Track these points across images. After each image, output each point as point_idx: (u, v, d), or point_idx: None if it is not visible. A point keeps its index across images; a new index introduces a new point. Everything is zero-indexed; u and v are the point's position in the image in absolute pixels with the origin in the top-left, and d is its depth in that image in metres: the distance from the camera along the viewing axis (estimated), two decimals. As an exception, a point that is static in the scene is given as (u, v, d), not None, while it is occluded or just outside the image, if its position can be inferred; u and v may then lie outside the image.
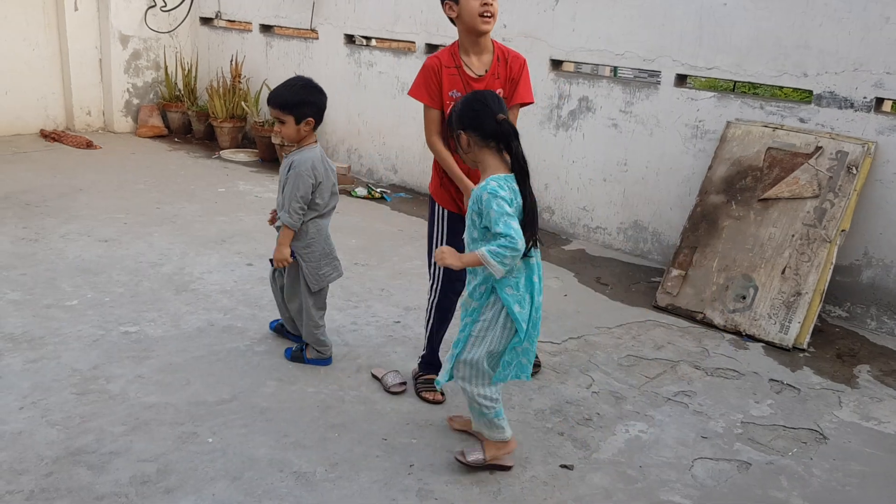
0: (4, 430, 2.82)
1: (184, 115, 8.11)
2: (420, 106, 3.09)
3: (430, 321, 3.26)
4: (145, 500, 2.50)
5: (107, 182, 6.14)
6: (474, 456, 2.75)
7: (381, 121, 6.74)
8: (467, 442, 2.92)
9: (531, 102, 3.16)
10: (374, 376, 3.38)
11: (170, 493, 2.53)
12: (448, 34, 3.17)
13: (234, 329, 3.75)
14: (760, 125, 4.53)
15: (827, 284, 4.07)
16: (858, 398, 3.51)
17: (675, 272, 4.45)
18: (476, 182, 2.76)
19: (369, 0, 6.57)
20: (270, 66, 7.53)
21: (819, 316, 4.18)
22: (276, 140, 6.91)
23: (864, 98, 4.21)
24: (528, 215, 2.54)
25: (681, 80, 4.95)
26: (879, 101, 4.21)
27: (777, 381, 3.63)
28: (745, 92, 6.79)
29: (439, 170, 3.12)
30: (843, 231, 4.10)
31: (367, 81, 6.76)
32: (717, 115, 4.74)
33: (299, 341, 3.56)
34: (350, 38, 6.93)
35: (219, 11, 7.99)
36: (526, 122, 5.53)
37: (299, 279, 3.38)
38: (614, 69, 7.75)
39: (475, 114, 2.58)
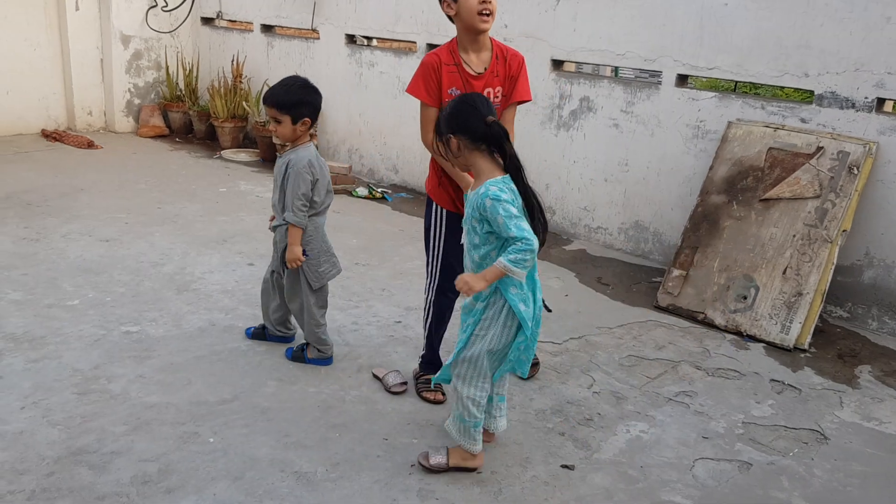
0: (6, 429, 2.82)
1: (185, 115, 8.11)
2: (418, 105, 3.08)
3: (429, 320, 3.26)
4: (146, 499, 2.50)
5: (108, 182, 6.15)
6: (437, 459, 2.73)
7: (382, 121, 6.74)
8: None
9: (529, 100, 3.16)
10: (375, 376, 3.38)
11: (171, 493, 2.53)
12: (449, 34, 3.16)
13: (236, 329, 3.75)
14: (762, 125, 4.52)
15: (828, 285, 4.07)
16: (859, 398, 3.51)
17: (676, 272, 4.45)
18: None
19: (370, 0, 6.58)
20: (271, 66, 7.53)
21: (820, 316, 4.17)
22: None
23: (866, 98, 4.20)
24: (532, 211, 2.53)
25: (682, 80, 4.95)
26: (881, 101, 4.20)
27: (778, 381, 3.63)
28: (746, 92, 6.79)
29: (437, 169, 3.11)
30: (844, 231, 4.10)
31: (368, 81, 6.77)
32: (719, 115, 4.74)
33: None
34: (351, 38, 6.93)
35: (220, 11, 8.00)
36: (527, 123, 5.54)
37: (300, 278, 3.38)
38: (615, 69, 7.75)
39: (464, 117, 2.55)
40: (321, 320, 3.43)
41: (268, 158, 7.28)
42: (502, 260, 2.42)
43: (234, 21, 8.03)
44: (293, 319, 3.59)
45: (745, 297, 4.17)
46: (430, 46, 6.18)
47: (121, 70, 7.87)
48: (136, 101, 8.10)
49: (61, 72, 7.75)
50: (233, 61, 7.73)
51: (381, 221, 5.69)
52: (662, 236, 5.12)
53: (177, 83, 8.13)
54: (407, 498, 2.60)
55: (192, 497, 2.52)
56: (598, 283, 4.76)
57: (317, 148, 7.28)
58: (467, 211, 2.59)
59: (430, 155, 3.13)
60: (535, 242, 2.42)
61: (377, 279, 4.53)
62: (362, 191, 6.37)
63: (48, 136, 7.48)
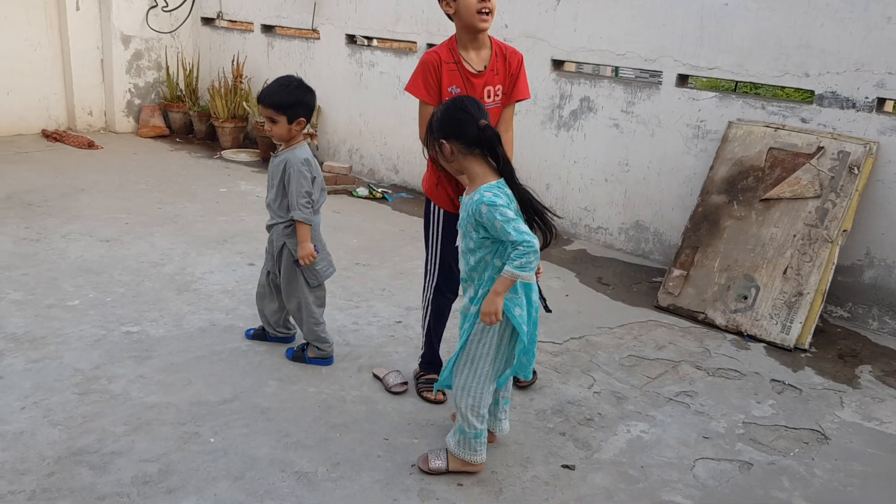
0: (6, 430, 2.82)
1: (185, 116, 8.11)
2: (418, 103, 3.06)
3: (427, 319, 3.26)
4: (147, 500, 2.50)
5: (108, 182, 6.15)
6: (436, 464, 2.72)
7: (383, 121, 6.74)
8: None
9: (528, 98, 3.16)
10: (376, 376, 3.38)
11: (171, 493, 2.53)
12: (449, 34, 3.15)
13: (236, 329, 3.75)
14: (762, 125, 4.52)
15: (829, 284, 4.07)
16: (860, 398, 3.51)
17: (676, 272, 4.45)
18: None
19: (370, 0, 6.58)
20: (272, 67, 7.53)
21: (821, 316, 4.17)
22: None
23: (866, 98, 4.20)
24: (529, 212, 2.52)
25: (682, 80, 4.95)
26: (881, 101, 4.20)
27: (779, 381, 3.63)
28: (746, 92, 6.79)
29: (436, 169, 3.10)
30: (844, 231, 4.10)
31: (369, 81, 6.77)
32: (719, 115, 4.74)
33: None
34: (351, 39, 6.93)
35: (220, 11, 8.00)
36: (527, 123, 5.55)
37: (297, 277, 3.38)
38: (616, 69, 7.75)
39: (456, 122, 2.52)
40: (320, 318, 3.44)
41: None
42: (509, 269, 2.41)
43: (235, 21, 8.03)
44: (293, 319, 3.59)
45: (746, 297, 4.17)
46: (431, 46, 6.16)
47: (121, 70, 7.87)
48: (137, 102, 8.10)
49: (62, 72, 7.76)
50: (233, 61, 7.74)
51: (381, 221, 5.69)
52: (663, 236, 5.12)
53: (177, 83, 8.13)
54: (407, 498, 2.60)
55: (192, 497, 2.52)
56: (599, 283, 4.76)
57: (317, 148, 7.30)
58: (462, 215, 2.57)
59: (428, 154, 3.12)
60: (537, 242, 2.41)
61: (378, 279, 4.53)
62: (363, 191, 6.37)
63: (48, 136, 7.48)
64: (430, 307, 3.24)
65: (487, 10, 2.88)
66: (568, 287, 4.65)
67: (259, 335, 3.64)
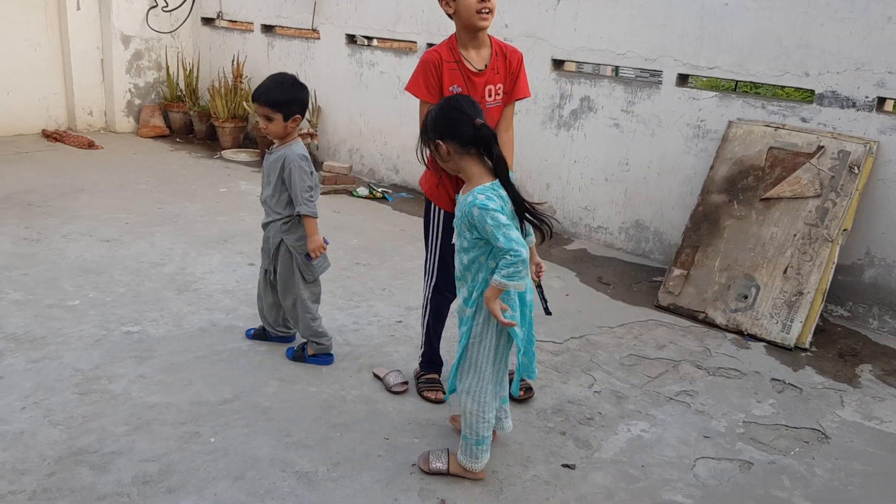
0: (7, 430, 2.82)
1: (185, 116, 8.11)
2: (419, 105, 3.05)
3: (427, 318, 3.26)
4: (147, 499, 2.50)
5: (108, 182, 6.15)
6: (436, 465, 2.72)
7: (383, 121, 6.74)
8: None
9: (529, 97, 3.16)
10: (376, 376, 3.38)
11: (172, 493, 2.53)
12: (449, 34, 3.15)
13: (236, 329, 3.75)
14: (762, 125, 4.52)
15: (829, 284, 4.07)
16: (860, 398, 3.51)
17: (676, 272, 4.45)
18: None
19: (370, 0, 6.57)
20: (272, 66, 7.52)
21: (821, 315, 4.17)
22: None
23: (866, 98, 4.20)
24: (522, 212, 2.50)
25: (682, 79, 4.95)
26: (881, 100, 4.20)
27: (779, 380, 3.63)
28: (746, 91, 6.79)
29: (436, 169, 3.09)
30: (845, 230, 4.10)
31: (369, 81, 6.77)
32: (719, 114, 4.74)
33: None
34: (351, 38, 6.93)
35: (220, 11, 8.00)
36: (527, 122, 5.55)
37: (293, 274, 3.39)
38: (616, 69, 7.75)
39: (452, 122, 2.49)
40: (316, 314, 3.45)
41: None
42: (497, 278, 2.40)
43: (235, 21, 8.04)
44: (289, 318, 3.59)
45: (746, 297, 4.17)
46: (431, 46, 6.15)
47: (121, 70, 7.87)
48: (137, 102, 8.10)
49: (62, 72, 7.76)
50: (233, 61, 7.74)
51: (381, 221, 5.69)
52: (663, 236, 5.12)
53: (177, 83, 8.13)
54: (408, 497, 2.60)
55: (192, 497, 2.52)
56: (599, 282, 4.76)
57: (317, 148, 7.29)
58: (457, 214, 2.56)
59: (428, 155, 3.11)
60: (525, 251, 2.38)
61: (378, 279, 4.53)
62: (363, 191, 6.37)
63: (48, 136, 7.48)
64: (429, 307, 3.24)
65: (487, 10, 2.87)
66: (568, 286, 4.65)
67: (259, 335, 3.64)
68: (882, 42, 4.11)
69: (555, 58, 5.48)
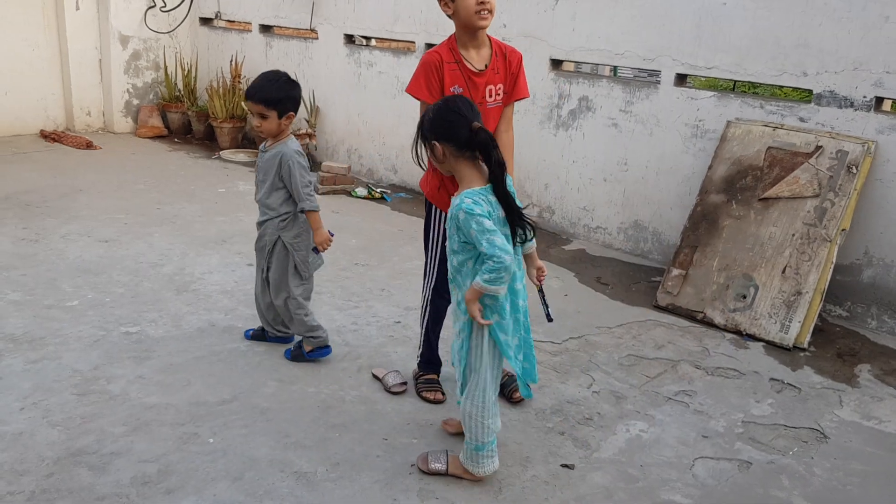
0: (5, 430, 2.82)
1: (184, 116, 8.11)
2: (417, 105, 3.04)
3: (426, 319, 3.26)
4: (146, 500, 2.50)
5: (107, 182, 6.14)
6: (435, 465, 2.72)
7: (381, 121, 6.74)
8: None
9: (528, 97, 3.17)
10: (375, 376, 3.38)
11: (171, 494, 2.53)
12: (447, 35, 3.15)
13: (235, 329, 3.75)
14: (760, 124, 4.53)
15: (827, 284, 4.07)
16: (859, 397, 3.51)
17: (675, 272, 4.45)
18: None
19: (369, 0, 6.57)
20: (270, 67, 7.43)
21: (819, 315, 4.18)
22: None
23: (864, 97, 4.21)
24: (512, 223, 2.48)
25: (681, 79, 4.95)
26: (879, 100, 4.21)
27: (778, 380, 3.63)
28: (744, 91, 6.80)
29: (438, 171, 3.09)
30: (843, 230, 4.11)
31: (367, 81, 6.76)
32: (717, 114, 4.74)
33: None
34: (350, 38, 6.93)
35: (218, 12, 7.99)
36: (526, 122, 5.55)
37: (288, 271, 3.39)
38: (614, 69, 7.75)
39: (448, 124, 2.47)
40: (308, 309, 3.44)
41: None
42: (478, 280, 2.40)
43: (233, 21, 8.03)
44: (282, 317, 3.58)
45: (745, 297, 4.17)
46: (429, 46, 6.17)
47: (119, 70, 7.87)
48: (135, 102, 8.10)
49: (60, 72, 7.75)
50: (231, 61, 7.73)
51: (380, 221, 5.69)
52: (661, 236, 5.12)
53: (175, 83, 8.13)
54: (407, 498, 2.60)
55: (191, 497, 2.52)
56: (598, 282, 4.76)
57: (315, 148, 7.28)
58: (449, 215, 2.55)
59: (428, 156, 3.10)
60: (508, 258, 2.36)
61: (376, 279, 4.52)
62: (361, 191, 6.37)
63: (47, 136, 7.47)
64: (428, 308, 3.24)
65: (487, 10, 2.87)
66: (567, 287, 4.65)
67: (258, 336, 3.64)
68: (880, 42, 4.11)
69: (553, 58, 5.49)
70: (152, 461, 2.69)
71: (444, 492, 2.63)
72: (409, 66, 6.33)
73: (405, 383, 3.30)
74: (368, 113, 6.83)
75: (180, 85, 8.11)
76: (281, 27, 7.65)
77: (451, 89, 2.92)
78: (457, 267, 2.55)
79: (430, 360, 3.32)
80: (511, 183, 2.59)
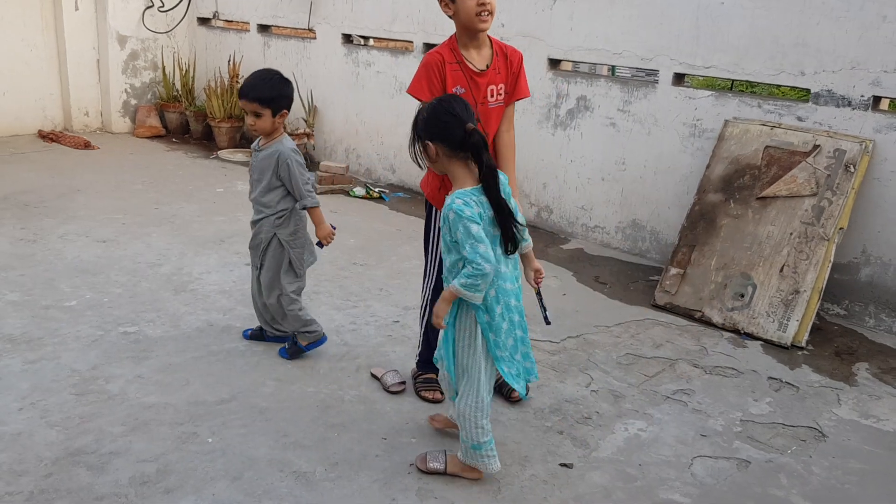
0: (4, 430, 2.81)
1: (181, 116, 8.10)
2: (416, 104, 3.04)
3: (425, 319, 3.26)
4: (145, 500, 2.50)
5: (105, 182, 6.14)
6: (434, 465, 2.72)
7: (379, 120, 6.74)
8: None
9: (528, 97, 3.18)
10: (374, 376, 3.38)
11: (169, 494, 2.53)
12: (446, 34, 3.15)
13: (234, 329, 3.75)
14: (758, 124, 4.53)
15: (825, 282, 4.08)
16: (857, 396, 3.51)
17: (673, 271, 4.45)
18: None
19: (367, 0, 6.57)
20: (268, 66, 7.48)
21: (817, 314, 4.18)
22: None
23: (862, 96, 4.21)
24: (502, 224, 2.48)
25: (678, 78, 4.95)
26: (877, 99, 4.21)
27: (776, 379, 3.64)
28: (742, 91, 6.81)
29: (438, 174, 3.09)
30: (841, 229, 4.11)
31: (365, 81, 6.76)
32: (715, 113, 4.75)
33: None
34: (348, 38, 6.93)
35: (216, 11, 7.99)
36: (524, 122, 5.55)
37: (281, 268, 3.40)
38: (612, 68, 7.75)
39: (443, 124, 2.45)
40: (301, 303, 3.44)
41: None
42: (455, 283, 2.41)
43: (231, 21, 8.02)
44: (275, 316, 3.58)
45: (743, 295, 4.18)
46: (427, 46, 6.18)
47: (117, 70, 7.86)
48: (133, 102, 8.09)
49: (58, 72, 7.74)
50: (229, 61, 7.72)
51: (378, 221, 5.69)
52: (660, 235, 5.12)
53: (173, 83, 8.12)
54: (406, 497, 2.60)
55: (190, 497, 2.52)
56: (596, 281, 4.76)
57: (314, 148, 7.27)
58: (441, 214, 2.55)
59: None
60: (488, 267, 2.36)
61: (375, 279, 4.52)
62: (359, 190, 6.37)
63: (45, 136, 7.46)
64: (428, 308, 3.24)
65: (487, 11, 2.87)
66: (565, 286, 4.65)
67: (256, 335, 3.64)
68: (878, 41, 4.12)
69: (551, 57, 5.49)
70: (151, 461, 2.69)
71: (443, 491, 2.64)
72: (407, 65, 6.33)
73: (404, 383, 3.31)
74: (366, 113, 6.83)
75: (178, 85, 8.10)
76: (279, 27, 7.64)
77: (454, 90, 2.91)
78: (449, 267, 2.55)
79: (428, 360, 3.32)
80: (507, 182, 2.59)
